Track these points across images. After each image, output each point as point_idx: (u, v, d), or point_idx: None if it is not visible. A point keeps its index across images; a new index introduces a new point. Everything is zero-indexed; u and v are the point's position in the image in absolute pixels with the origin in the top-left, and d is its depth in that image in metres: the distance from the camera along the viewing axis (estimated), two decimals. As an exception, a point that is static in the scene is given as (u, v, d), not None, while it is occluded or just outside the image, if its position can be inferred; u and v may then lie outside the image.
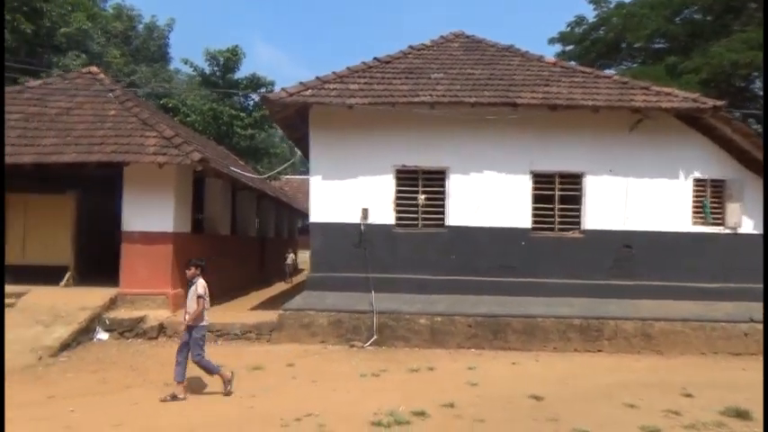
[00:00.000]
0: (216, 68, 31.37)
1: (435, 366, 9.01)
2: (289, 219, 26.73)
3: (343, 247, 11.21)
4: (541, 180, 11.45)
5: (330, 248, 11.23)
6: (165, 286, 11.22)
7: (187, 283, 7.33)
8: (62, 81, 14.01)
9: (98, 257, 12.97)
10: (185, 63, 31.20)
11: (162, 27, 34.28)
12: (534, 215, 11.42)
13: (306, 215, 31.08)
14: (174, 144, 11.04)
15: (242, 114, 31.14)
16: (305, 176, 44.17)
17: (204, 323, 7.25)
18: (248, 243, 17.88)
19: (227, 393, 7.14)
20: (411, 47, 13.31)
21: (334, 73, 11.67)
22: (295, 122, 12.08)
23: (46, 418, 6.18)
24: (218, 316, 11.21)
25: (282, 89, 10.89)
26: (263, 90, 33.54)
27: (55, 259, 11.83)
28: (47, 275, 11.71)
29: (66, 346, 9.21)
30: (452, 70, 12.26)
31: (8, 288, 11.31)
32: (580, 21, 26.34)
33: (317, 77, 11.41)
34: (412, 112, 11.01)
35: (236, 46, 30.81)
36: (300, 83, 11.15)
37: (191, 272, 7.26)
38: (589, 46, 26.27)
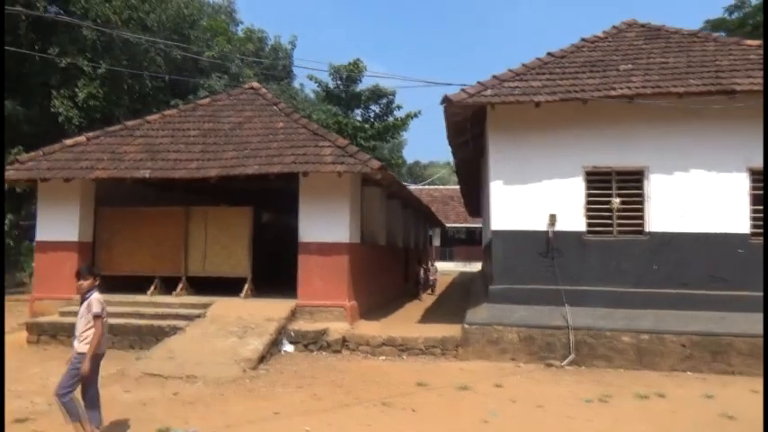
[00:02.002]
0: (339, 82, 32.05)
1: (664, 393, 7.87)
2: (423, 228, 26.29)
3: (528, 257, 10.37)
4: (761, 178, 9.92)
5: (514, 258, 10.43)
6: (342, 298, 10.97)
7: (81, 298, 5.56)
8: (228, 98, 14.50)
9: (268, 269, 13.11)
10: (310, 79, 32.18)
11: (285, 46, 35.67)
12: (753, 218, 9.90)
13: (436, 224, 31.06)
14: (349, 153, 10.81)
15: (365, 126, 31.45)
16: (422, 186, 44.24)
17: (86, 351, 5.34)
18: (398, 253, 17.55)
19: None
20: (584, 39, 12.28)
21: (510, 71, 10.94)
22: (466, 125, 11.51)
23: (286, 437, 5.91)
24: (394, 329, 10.82)
25: (462, 90, 10.30)
26: (383, 100, 33.90)
27: (233, 271, 12.00)
28: (224, 287, 11.95)
29: (262, 358, 9.13)
30: (640, 60, 11.07)
31: (194, 299, 11.71)
32: (741, 4, 23.63)
33: (494, 76, 10.72)
34: (602, 108, 10.02)
35: (358, 59, 31.26)
36: (479, 82, 10.51)
37: (88, 282, 5.47)
38: (750, 32, 23.49)
